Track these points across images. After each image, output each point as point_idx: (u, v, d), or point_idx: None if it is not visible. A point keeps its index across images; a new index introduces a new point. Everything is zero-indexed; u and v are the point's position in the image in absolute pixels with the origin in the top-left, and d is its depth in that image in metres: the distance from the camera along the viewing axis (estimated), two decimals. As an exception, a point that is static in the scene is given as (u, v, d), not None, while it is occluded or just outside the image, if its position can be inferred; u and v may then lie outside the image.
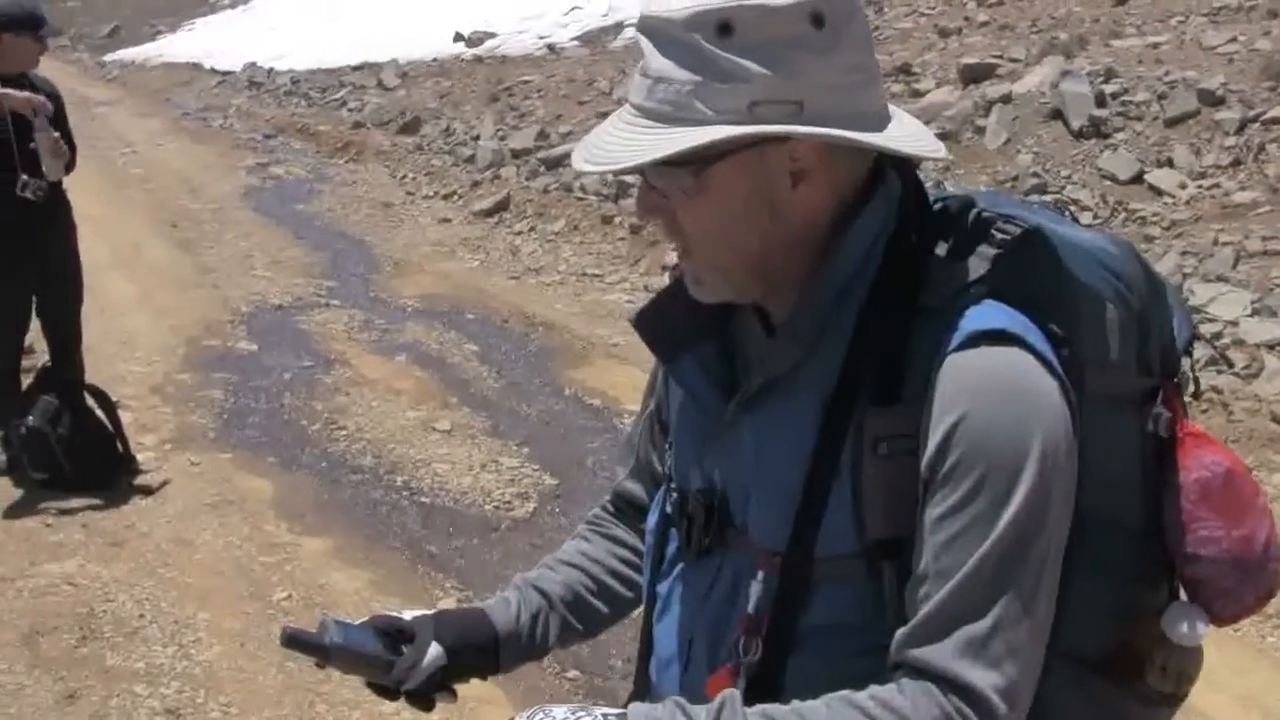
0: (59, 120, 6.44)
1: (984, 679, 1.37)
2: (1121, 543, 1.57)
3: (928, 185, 1.59)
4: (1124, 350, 1.55)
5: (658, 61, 1.44)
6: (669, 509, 1.69)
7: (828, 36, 1.41)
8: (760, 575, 1.53)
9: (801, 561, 1.49)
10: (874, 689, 1.41)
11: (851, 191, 1.51)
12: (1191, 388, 1.75)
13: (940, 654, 1.38)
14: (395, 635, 1.82)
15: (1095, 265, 1.54)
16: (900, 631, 1.42)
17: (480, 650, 1.85)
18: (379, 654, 1.79)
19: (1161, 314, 1.63)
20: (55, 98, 6.46)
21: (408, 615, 1.85)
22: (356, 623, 1.82)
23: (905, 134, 1.50)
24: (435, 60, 24.24)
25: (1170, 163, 9.39)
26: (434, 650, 1.79)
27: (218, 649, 4.91)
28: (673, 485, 1.70)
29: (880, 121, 1.48)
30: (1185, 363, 1.69)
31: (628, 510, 1.97)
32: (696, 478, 1.65)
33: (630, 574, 1.92)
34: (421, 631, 1.81)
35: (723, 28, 1.39)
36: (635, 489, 1.94)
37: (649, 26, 1.45)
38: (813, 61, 1.41)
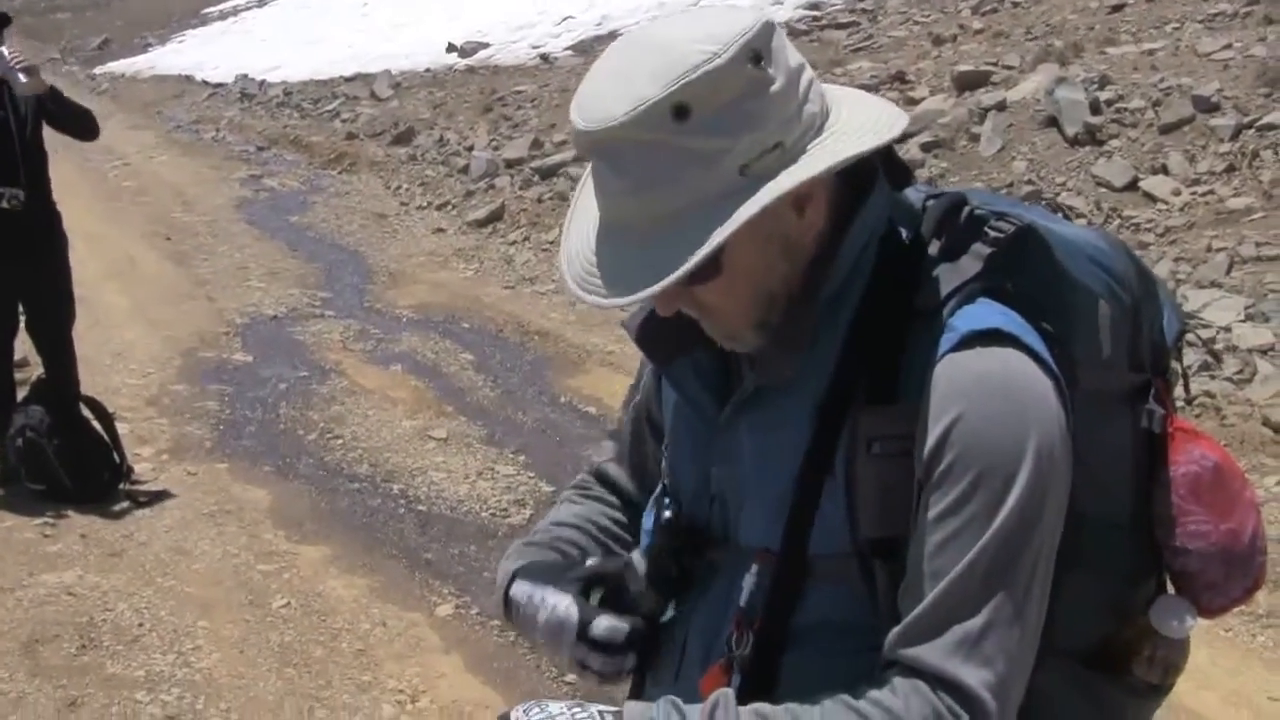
0: (53, 106, 6.37)
1: (975, 677, 1.37)
2: (1112, 538, 1.58)
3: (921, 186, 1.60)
4: (1116, 347, 1.56)
5: (627, 175, 1.38)
6: (663, 520, 1.68)
7: (769, 68, 1.38)
8: (754, 570, 1.54)
9: (794, 558, 1.50)
10: (867, 690, 1.41)
11: (845, 197, 1.51)
12: (1183, 387, 1.75)
13: (932, 652, 1.38)
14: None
15: (1088, 262, 1.54)
16: (894, 630, 1.42)
17: None
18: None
19: (1152, 310, 1.64)
20: (39, 100, 6.35)
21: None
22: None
23: (867, 119, 1.47)
24: (428, 71, 24.29)
25: (1165, 169, 9.40)
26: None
27: (217, 656, 4.91)
28: (665, 499, 1.70)
29: (840, 119, 1.47)
30: (1175, 358, 1.70)
31: (607, 487, 1.95)
32: (692, 483, 1.66)
33: (623, 535, 1.89)
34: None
35: (678, 112, 1.34)
36: (618, 474, 1.92)
37: (598, 143, 1.38)
38: (771, 100, 1.38)
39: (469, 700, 4.59)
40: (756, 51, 1.36)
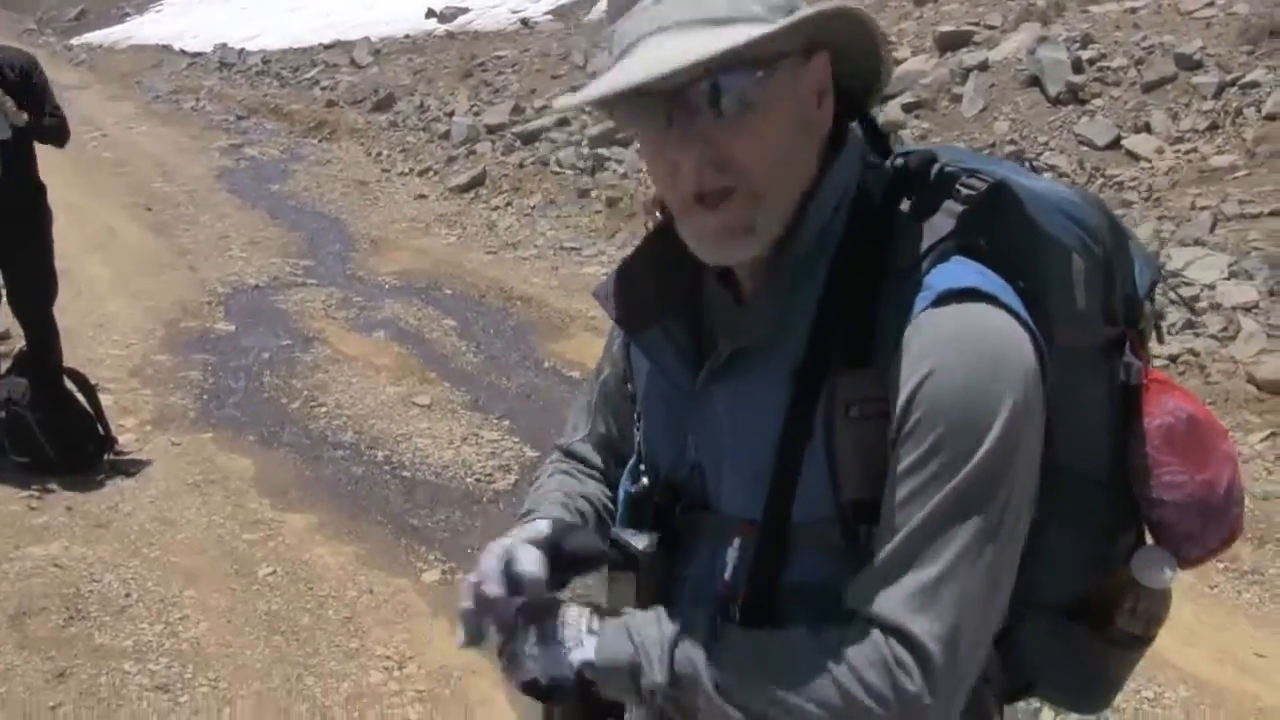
0: (39, 92, 6.34)
1: (925, 627, 1.36)
2: (1090, 492, 1.58)
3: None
4: (1090, 301, 1.55)
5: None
6: (636, 491, 1.68)
7: None
8: (736, 543, 1.53)
9: (777, 527, 1.48)
10: (827, 632, 1.42)
11: (826, 151, 1.50)
12: (1156, 338, 1.75)
13: (886, 601, 1.38)
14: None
15: (1060, 216, 1.52)
16: (855, 578, 1.42)
17: None
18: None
19: (1124, 262, 1.63)
20: (29, 72, 6.37)
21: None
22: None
23: None
24: (408, 37, 24.15)
25: (1148, 128, 9.40)
26: None
27: (205, 625, 4.90)
28: (642, 468, 1.69)
29: None
30: (1148, 309, 1.68)
31: (580, 464, 1.91)
32: (668, 454, 1.64)
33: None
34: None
35: None
36: (588, 452, 1.88)
37: None
38: None
39: (456, 665, 4.59)
40: None
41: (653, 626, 1.47)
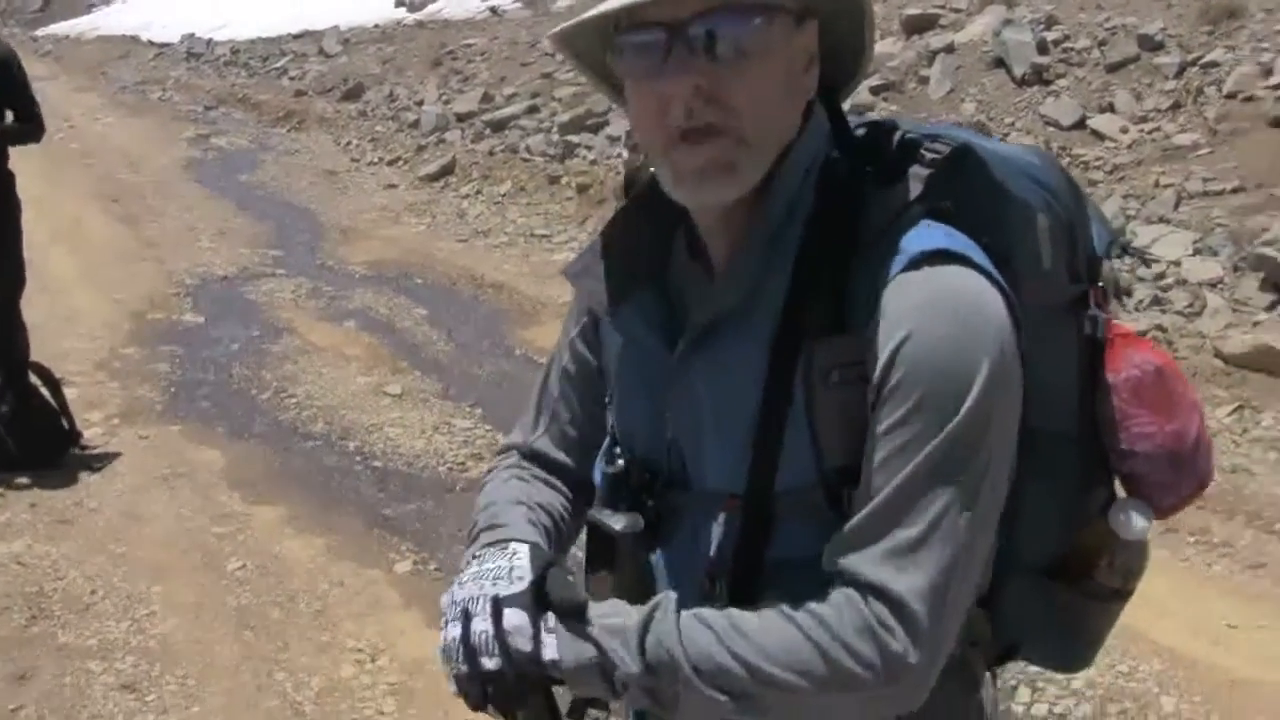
0: (18, 87, 6.26)
1: (906, 585, 1.36)
2: (1063, 447, 1.59)
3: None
4: (1056, 259, 1.56)
5: None
6: (611, 474, 1.66)
7: None
8: (721, 518, 1.53)
9: (761, 499, 1.48)
10: (807, 600, 1.41)
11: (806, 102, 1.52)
12: (1115, 295, 1.77)
13: (866, 560, 1.38)
14: None
15: (1023, 177, 1.55)
16: (834, 538, 1.42)
17: None
18: None
19: (1084, 221, 1.65)
20: (8, 64, 6.25)
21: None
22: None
23: None
24: (377, 26, 24.04)
25: (1112, 108, 9.44)
26: None
27: (173, 622, 4.87)
28: (616, 449, 1.67)
29: None
30: (1108, 267, 1.70)
31: (536, 466, 1.85)
32: (645, 432, 1.63)
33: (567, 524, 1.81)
34: None
35: None
36: (549, 448, 1.83)
37: None
38: None
39: (429, 657, 4.57)
40: None
41: (617, 617, 1.46)
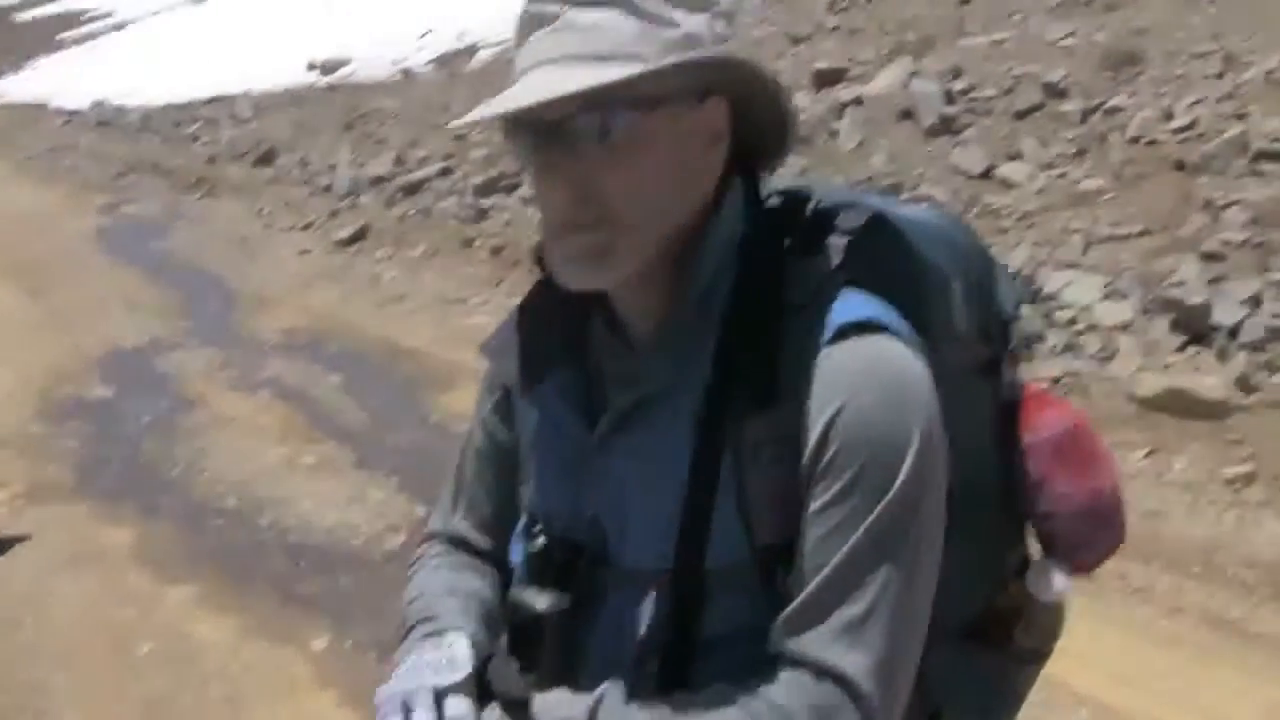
0: None
1: (855, 664, 1.36)
2: (982, 509, 1.60)
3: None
4: (969, 322, 1.58)
5: (584, 17, 1.39)
6: (532, 553, 1.61)
7: (729, 12, 1.45)
8: (650, 596, 1.50)
9: (691, 577, 1.46)
10: (756, 683, 1.39)
11: (717, 185, 1.50)
12: (1027, 350, 1.78)
13: (814, 641, 1.37)
14: None
15: (936, 242, 1.56)
16: (778, 620, 1.41)
17: None
18: None
19: (994, 283, 1.66)
20: None
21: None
22: None
23: None
24: (289, 90, 23.99)
25: (1019, 155, 9.57)
26: None
27: (75, 715, 4.72)
28: (535, 528, 1.62)
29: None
30: (1019, 327, 1.72)
31: (461, 552, 1.83)
32: (564, 511, 1.59)
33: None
34: None
35: None
36: (470, 533, 1.80)
37: None
38: (724, 29, 1.45)
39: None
40: None
41: (561, 709, 1.44)
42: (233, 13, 37.62)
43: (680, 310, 1.49)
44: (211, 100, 24.72)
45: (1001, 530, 1.65)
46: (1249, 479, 5.63)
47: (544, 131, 1.41)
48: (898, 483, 1.37)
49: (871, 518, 1.37)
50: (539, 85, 1.38)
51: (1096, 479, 1.65)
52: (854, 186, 8.28)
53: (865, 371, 1.39)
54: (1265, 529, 5.28)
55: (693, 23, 1.41)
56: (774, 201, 1.57)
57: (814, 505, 1.39)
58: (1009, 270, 1.78)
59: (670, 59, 1.38)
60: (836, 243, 1.49)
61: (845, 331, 1.41)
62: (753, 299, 1.47)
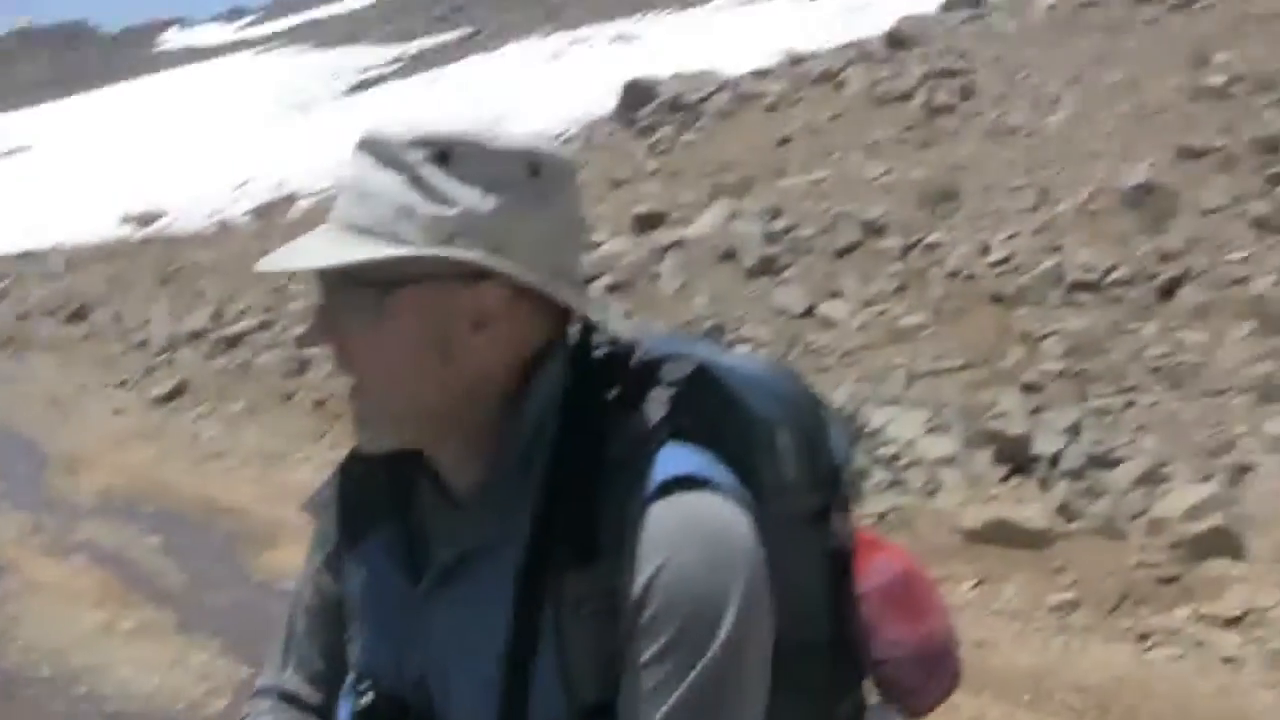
0: None
1: None
2: (811, 658, 1.56)
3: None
4: (798, 472, 1.55)
5: (372, 178, 1.40)
6: (358, 711, 1.56)
7: (541, 189, 1.42)
8: None
9: None
10: None
11: (532, 350, 1.47)
12: (857, 499, 1.77)
13: None
14: None
15: (761, 392, 1.54)
16: None
17: None
18: None
19: (823, 429, 1.64)
20: None
21: None
22: None
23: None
24: (102, 244, 23.62)
25: (840, 293, 9.78)
26: None
27: None
28: (361, 685, 1.57)
29: (578, 283, 1.47)
30: (849, 473, 1.70)
31: (292, 708, 1.76)
32: (389, 668, 1.54)
33: None
34: None
35: (442, 155, 1.38)
36: (302, 688, 1.73)
37: (369, 143, 1.42)
38: (522, 209, 1.40)
39: None
40: (538, 166, 1.42)
41: None
42: (43, 166, 37.06)
43: (501, 468, 1.47)
44: (21, 256, 24.17)
45: (833, 680, 1.62)
46: (1073, 605, 5.74)
47: (324, 293, 1.44)
48: (718, 641, 1.35)
49: (691, 676, 1.34)
50: (302, 250, 1.42)
51: (927, 624, 1.65)
52: (678, 330, 8.36)
53: (685, 529, 1.37)
54: (1091, 654, 5.37)
55: (473, 201, 1.39)
56: (600, 353, 1.54)
57: (634, 664, 1.37)
58: (839, 413, 1.79)
59: (415, 249, 1.37)
60: (661, 395, 1.47)
61: (667, 487, 1.39)
62: (573, 455, 1.44)
